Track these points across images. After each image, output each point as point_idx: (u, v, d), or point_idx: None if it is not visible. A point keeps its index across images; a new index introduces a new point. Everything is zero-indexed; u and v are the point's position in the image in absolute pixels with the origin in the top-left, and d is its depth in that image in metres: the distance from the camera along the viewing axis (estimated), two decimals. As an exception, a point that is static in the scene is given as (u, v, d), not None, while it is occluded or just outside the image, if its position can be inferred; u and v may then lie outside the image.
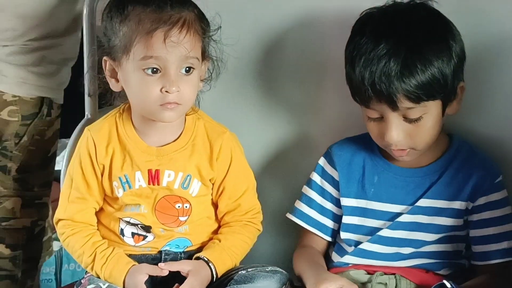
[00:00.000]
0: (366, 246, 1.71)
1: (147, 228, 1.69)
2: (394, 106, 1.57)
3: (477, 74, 1.71)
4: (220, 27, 1.68)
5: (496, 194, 1.67)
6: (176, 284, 1.62)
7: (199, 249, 1.72)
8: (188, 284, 1.62)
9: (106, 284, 1.63)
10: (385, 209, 1.70)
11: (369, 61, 1.56)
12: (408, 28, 1.58)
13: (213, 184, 1.72)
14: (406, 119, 1.59)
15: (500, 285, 1.66)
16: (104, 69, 1.67)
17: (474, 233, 1.69)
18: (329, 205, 1.77)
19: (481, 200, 1.67)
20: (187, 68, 1.60)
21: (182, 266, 1.65)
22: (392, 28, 1.58)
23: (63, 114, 2.10)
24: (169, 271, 1.65)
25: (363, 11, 1.65)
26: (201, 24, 1.63)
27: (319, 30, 1.86)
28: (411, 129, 1.60)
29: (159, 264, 1.65)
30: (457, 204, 1.67)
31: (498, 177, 1.68)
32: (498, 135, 1.76)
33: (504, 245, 1.66)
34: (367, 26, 1.61)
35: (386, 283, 1.67)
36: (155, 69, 1.58)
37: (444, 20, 1.63)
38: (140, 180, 1.67)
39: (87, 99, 1.98)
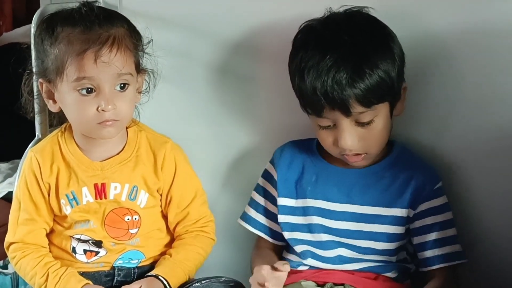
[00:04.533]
0: (314, 250, 1.72)
1: (98, 243, 1.68)
2: (347, 112, 1.59)
3: (415, 81, 1.71)
4: (152, 40, 1.68)
5: (437, 200, 1.68)
6: None
7: (153, 263, 1.71)
8: None
9: (61, 304, 1.63)
10: (318, 205, 1.71)
11: (319, 72, 1.58)
12: (351, 36, 1.59)
13: (161, 195, 1.71)
14: (358, 123, 1.61)
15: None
16: (41, 91, 1.68)
17: (417, 240, 1.69)
18: (273, 208, 1.78)
19: (422, 207, 1.67)
20: (122, 85, 1.60)
21: (134, 287, 1.64)
22: (335, 38, 1.60)
23: (15, 135, 2.08)
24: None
25: (302, 24, 1.67)
26: (131, 39, 1.62)
27: (259, 39, 1.85)
28: (363, 133, 1.62)
29: None
30: (398, 211, 1.68)
31: (437, 183, 1.69)
32: (437, 142, 1.76)
33: (446, 249, 1.67)
34: (310, 39, 1.63)
35: (336, 294, 1.68)
36: (89, 89, 1.58)
37: (381, 24, 1.65)
38: (87, 196, 1.67)
39: (37, 119, 1.96)
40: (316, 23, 1.65)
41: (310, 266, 1.72)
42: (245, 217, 1.81)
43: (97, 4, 1.68)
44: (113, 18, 1.62)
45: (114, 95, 1.59)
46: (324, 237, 1.70)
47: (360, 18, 1.64)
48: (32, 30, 1.94)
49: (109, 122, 1.59)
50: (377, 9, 1.65)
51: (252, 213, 1.80)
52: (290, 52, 1.66)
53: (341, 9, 1.66)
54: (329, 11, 1.66)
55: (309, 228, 1.71)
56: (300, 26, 1.66)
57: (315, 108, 1.61)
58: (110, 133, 1.62)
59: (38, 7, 2.18)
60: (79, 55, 1.56)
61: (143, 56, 1.67)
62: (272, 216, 1.78)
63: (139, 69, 1.66)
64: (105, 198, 1.67)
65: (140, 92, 1.69)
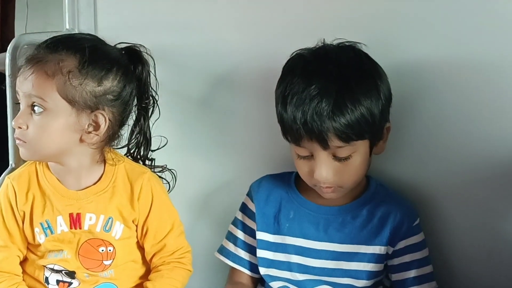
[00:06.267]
0: (291, 287, 1.71)
1: (71, 274, 1.67)
2: (325, 145, 1.58)
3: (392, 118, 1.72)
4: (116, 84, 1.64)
5: (415, 237, 1.69)
6: None
7: (128, 296, 1.71)
8: None
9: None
10: (297, 244, 1.70)
11: (302, 101, 1.57)
12: (338, 68, 1.59)
13: (136, 226, 1.70)
14: (335, 157, 1.61)
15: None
16: None
17: (396, 277, 1.69)
18: (251, 240, 1.77)
19: (401, 244, 1.68)
20: (32, 106, 1.58)
21: None
22: (322, 68, 1.59)
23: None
24: None
25: (294, 52, 1.67)
26: (64, 69, 1.57)
27: (238, 73, 1.85)
28: (339, 168, 1.62)
29: None
30: (377, 249, 1.68)
31: (416, 220, 1.70)
32: (411, 178, 1.77)
33: (425, 287, 1.68)
34: (298, 67, 1.63)
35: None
36: (18, 103, 1.63)
37: (372, 62, 1.64)
38: (61, 225, 1.65)
39: (11, 149, 1.95)
40: (307, 52, 1.65)
41: (286, 300, 1.72)
42: (223, 251, 1.80)
43: (75, 32, 1.69)
44: (64, 45, 1.59)
45: (27, 115, 1.59)
46: (302, 276, 1.69)
47: (351, 52, 1.63)
48: (7, 60, 1.95)
49: (18, 141, 1.60)
50: (368, 45, 1.66)
51: (231, 247, 1.78)
52: (278, 78, 1.66)
53: (335, 42, 1.66)
54: (322, 43, 1.66)
55: (289, 267, 1.71)
56: (292, 54, 1.66)
57: (294, 137, 1.61)
58: (21, 153, 1.62)
59: (13, 37, 2.19)
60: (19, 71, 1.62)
61: (95, 96, 1.60)
62: (251, 249, 1.76)
63: (75, 104, 1.58)
64: (80, 228, 1.65)
65: (90, 132, 1.62)
